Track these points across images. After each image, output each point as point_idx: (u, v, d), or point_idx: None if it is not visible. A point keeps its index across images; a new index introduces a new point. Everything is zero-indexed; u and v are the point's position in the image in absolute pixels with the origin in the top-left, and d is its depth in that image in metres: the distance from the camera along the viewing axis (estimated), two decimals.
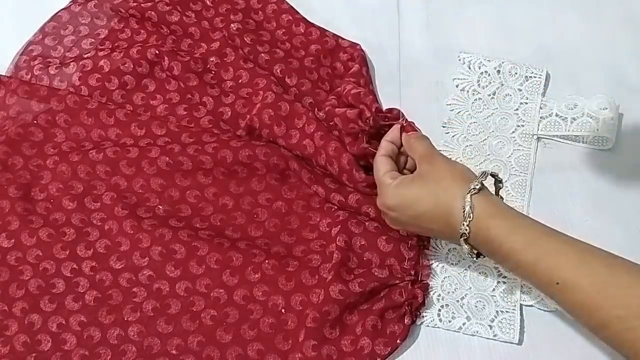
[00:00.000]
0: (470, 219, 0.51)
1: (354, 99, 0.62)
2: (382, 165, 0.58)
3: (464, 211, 0.51)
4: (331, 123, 0.63)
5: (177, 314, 0.59)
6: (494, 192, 0.56)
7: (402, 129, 0.60)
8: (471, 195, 0.51)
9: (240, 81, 0.69)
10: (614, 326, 0.46)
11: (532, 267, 0.50)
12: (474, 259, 0.54)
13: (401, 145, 0.60)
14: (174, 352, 0.58)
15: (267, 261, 0.61)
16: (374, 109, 0.60)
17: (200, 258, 0.61)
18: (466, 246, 0.53)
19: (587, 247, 0.50)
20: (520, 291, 0.60)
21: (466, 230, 0.51)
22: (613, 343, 0.48)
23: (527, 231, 0.51)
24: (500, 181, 0.57)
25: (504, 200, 0.56)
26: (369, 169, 0.61)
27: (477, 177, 0.53)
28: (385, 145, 0.59)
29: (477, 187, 0.52)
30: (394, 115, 0.61)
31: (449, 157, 0.58)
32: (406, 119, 0.60)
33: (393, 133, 0.59)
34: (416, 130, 0.60)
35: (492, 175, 0.56)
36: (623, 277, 0.47)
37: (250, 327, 0.59)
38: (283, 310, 0.59)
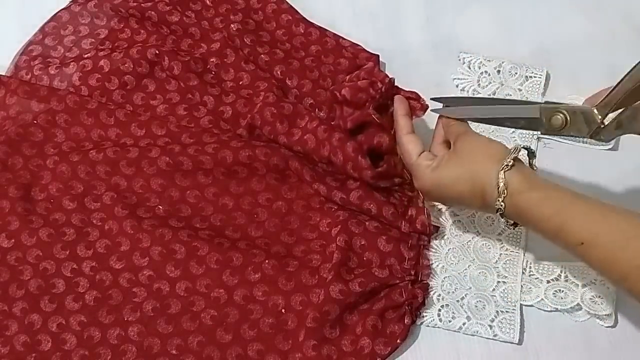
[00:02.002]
0: (505, 195, 0.53)
1: (367, 74, 0.64)
2: (412, 145, 0.61)
3: (498, 188, 0.53)
4: (338, 97, 0.65)
5: (177, 314, 0.59)
6: (527, 163, 0.57)
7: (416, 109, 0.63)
8: (504, 172, 0.53)
9: (241, 82, 0.69)
10: (633, 276, 0.48)
11: (557, 232, 0.52)
12: (512, 229, 0.57)
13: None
14: (174, 352, 0.58)
15: (267, 261, 0.61)
16: (387, 81, 0.63)
17: (200, 258, 0.61)
18: (502, 220, 0.55)
19: (613, 207, 0.51)
20: (520, 291, 0.61)
21: (501, 205, 0.54)
22: (633, 293, 0.49)
23: (555, 201, 0.53)
24: (533, 152, 0.58)
25: (536, 171, 0.57)
26: (372, 159, 0.62)
27: (510, 152, 0.55)
28: (405, 122, 0.62)
29: (510, 163, 0.54)
30: (408, 93, 0.63)
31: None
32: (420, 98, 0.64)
33: (404, 105, 0.63)
34: (422, 104, 0.64)
35: (525, 148, 0.57)
36: None
37: (250, 327, 0.59)
38: (283, 310, 0.59)
